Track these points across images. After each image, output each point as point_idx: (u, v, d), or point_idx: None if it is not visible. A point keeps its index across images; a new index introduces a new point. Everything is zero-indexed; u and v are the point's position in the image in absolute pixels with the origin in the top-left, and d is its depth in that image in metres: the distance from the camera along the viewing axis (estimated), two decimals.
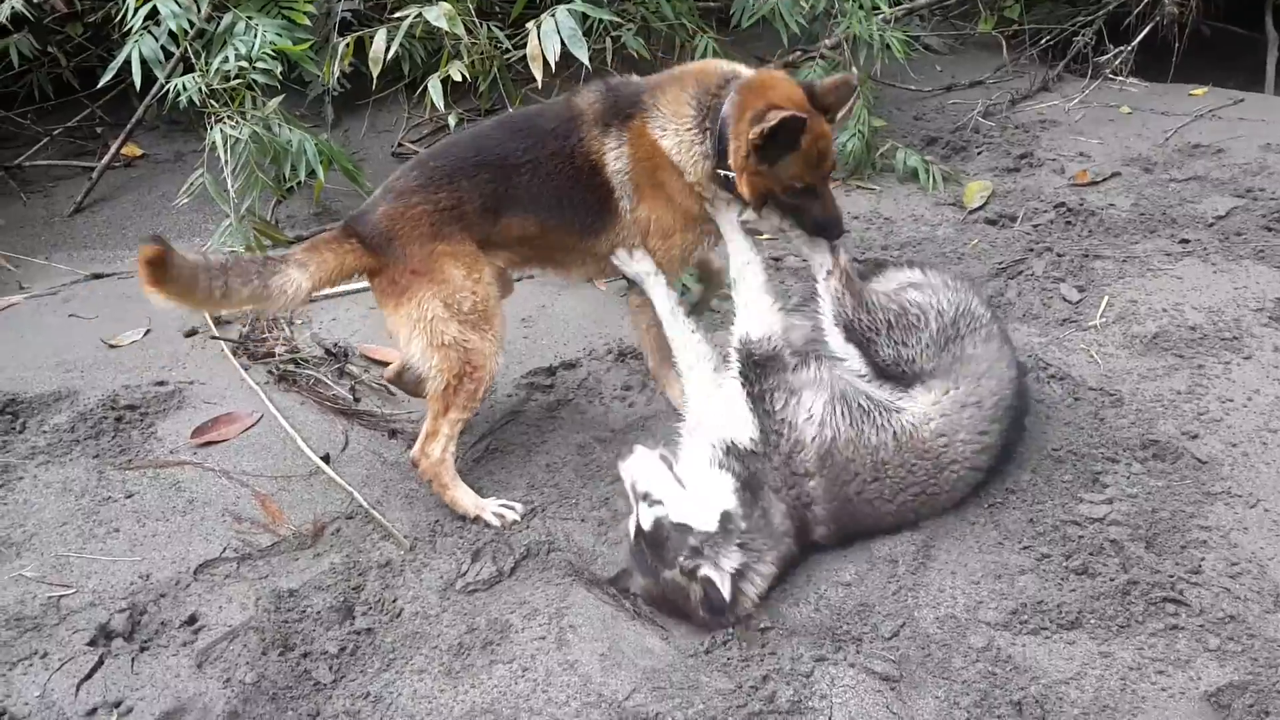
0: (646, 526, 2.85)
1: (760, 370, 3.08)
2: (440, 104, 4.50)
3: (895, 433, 3.03)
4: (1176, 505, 3.13)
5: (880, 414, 3.07)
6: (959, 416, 3.08)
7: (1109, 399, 3.56)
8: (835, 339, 3.19)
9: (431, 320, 3.17)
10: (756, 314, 3.15)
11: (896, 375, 3.15)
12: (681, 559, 2.80)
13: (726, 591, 2.78)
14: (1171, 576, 2.90)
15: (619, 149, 3.29)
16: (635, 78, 3.46)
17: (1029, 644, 2.77)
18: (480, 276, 3.24)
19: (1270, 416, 3.42)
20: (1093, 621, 2.81)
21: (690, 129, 3.24)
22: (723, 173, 3.20)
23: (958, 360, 3.15)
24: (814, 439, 3.00)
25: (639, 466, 2.97)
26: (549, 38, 4.58)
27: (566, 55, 4.57)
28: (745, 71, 3.30)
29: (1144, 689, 2.63)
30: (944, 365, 3.15)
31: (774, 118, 2.98)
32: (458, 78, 4.65)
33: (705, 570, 2.78)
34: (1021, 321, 4.02)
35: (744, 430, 3.03)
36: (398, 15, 4.91)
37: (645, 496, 2.89)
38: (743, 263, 3.24)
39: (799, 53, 5.90)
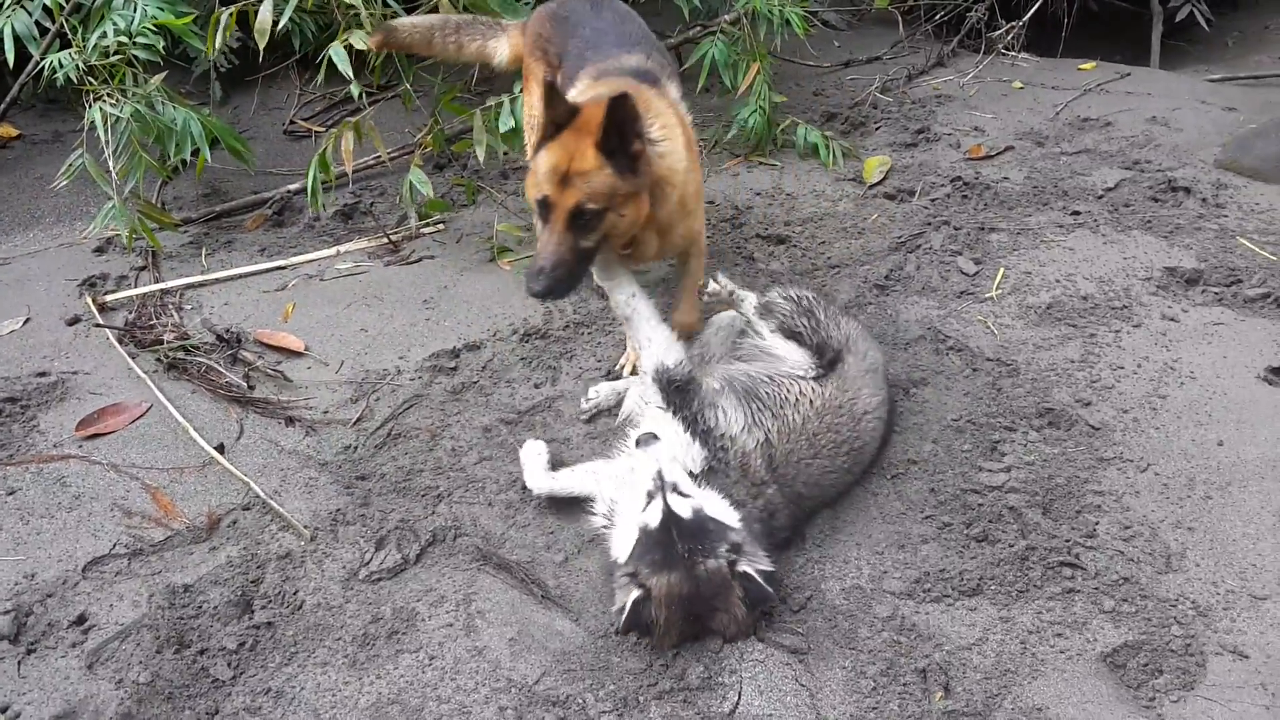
0: (686, 515, 2.68)
1: (683, 395, 3.02)
2: (348, 72, 4.33)
3: (811, 400, 3.06)
4: (1071, 472, 3.21)
5: (789, 386, 3.09)
6: (862, 378, 3.18)
7: (1006, 369, 3.64)
8: (776, 342, 3.33)
9: (527, 119, 4.05)
10: (662, 343, 3.09)
11: (828, 361, 3.22)
12: (724, 551, 2.66)
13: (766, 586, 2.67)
14: (1068, 541, 2.98)
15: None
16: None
17: (932, 612, 2.82)
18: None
19: (1159, 383, 3.53)
20: (993, 588, 2.87)
21: None
22: None
23: (849, 337, 3.29)
24: (755, 444, 2.95)
25: (665, 456, 2.82)
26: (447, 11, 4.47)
27: None
28: None
29: (1043, 651, 2.70)
30: (846, 339, 3.27)
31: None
32: (360, 46, 4.50)
33: (744, 566, 2.66)
34: (920, 295, 4.08)
35: (695, 458, 2.93)
36: None
37: (674, 488, 2.75)
38: (629, 295, 3.15)
39: (699, 28, 5.87)
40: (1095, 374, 3.58)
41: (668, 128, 3.17)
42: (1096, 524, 3.03)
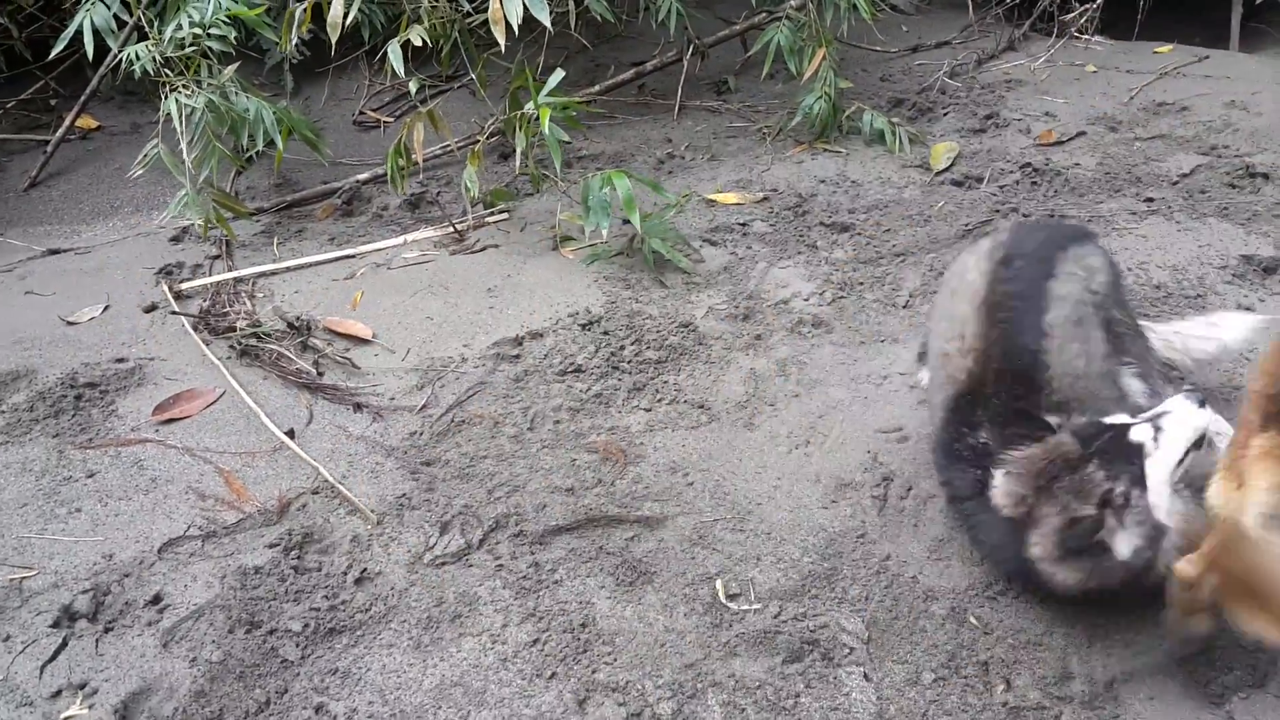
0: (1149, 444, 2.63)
1: None
2: (400, 70, 4.42)
3: None
4: None
5: None
6: None
7: None
8: None
9: None
10: None
11: None
12: (1122, 487, 2.56)
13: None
14: None
15: None
16: None
17: (996, 605, 2.79)
18: None
19: (1233, 373, 3.45)
20: None
21: None
22: None
23: None
24: None
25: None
26: (510, 1, 4.50)
27: (530, 18, 4.49)
28: None
29: (1110, 645, 2.66)
30: None
31: None
32: (418, 43, 4.56)
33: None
34: None
35: None
36: None
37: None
38: None
39: (764, 14, 5.84)
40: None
41: None
42: None
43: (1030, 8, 6.53)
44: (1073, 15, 6.35)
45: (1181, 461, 2.65)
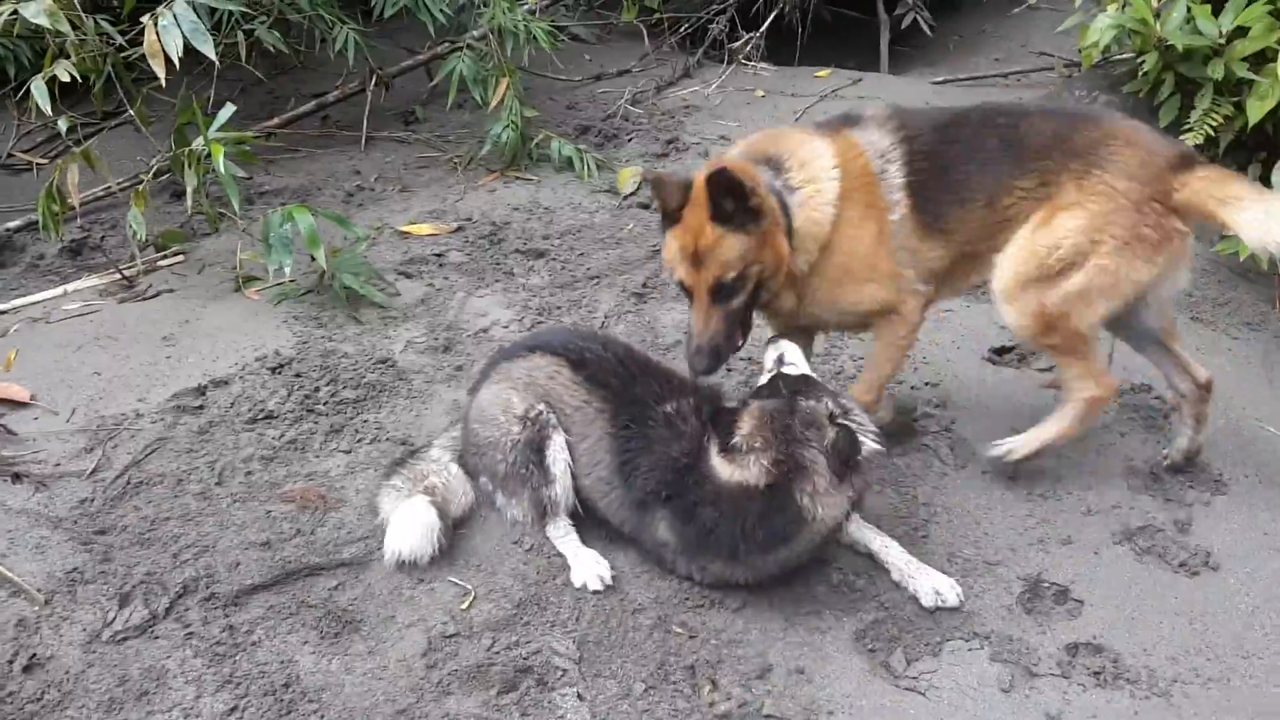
0: (793, 374, 2.89)
1: None
2: (47, 108, 4.06)
3: None
4: None
5: None
6: None
7: (756, 368, 3.78)
8: None
9: None
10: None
11: None
12: (828, 402, 2.77)
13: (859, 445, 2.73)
14: None
15: None
16: None
17: (699, 611, 2.89)
18: None
19: None
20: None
21: None
22: None
23: None
24: None
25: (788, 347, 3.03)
26: (169, 32, 4.25)
27: (195, 50, 4.26)
28: None
29: (800, 635, 2.83)
30: None
31: None
32: (66, 78, 4.22)
33: (844, 421, 2.74)
34: (676, 300, 4.19)
35: None
36: None
37: (783, 359, 2.98)
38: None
39: (446, 44, 5.85)
40: (839, 365, 3.79)
41: (811, 178, 3.10)
42: None
43: (702, 36, 6.90)
44: (740, 43, 6.75)
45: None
